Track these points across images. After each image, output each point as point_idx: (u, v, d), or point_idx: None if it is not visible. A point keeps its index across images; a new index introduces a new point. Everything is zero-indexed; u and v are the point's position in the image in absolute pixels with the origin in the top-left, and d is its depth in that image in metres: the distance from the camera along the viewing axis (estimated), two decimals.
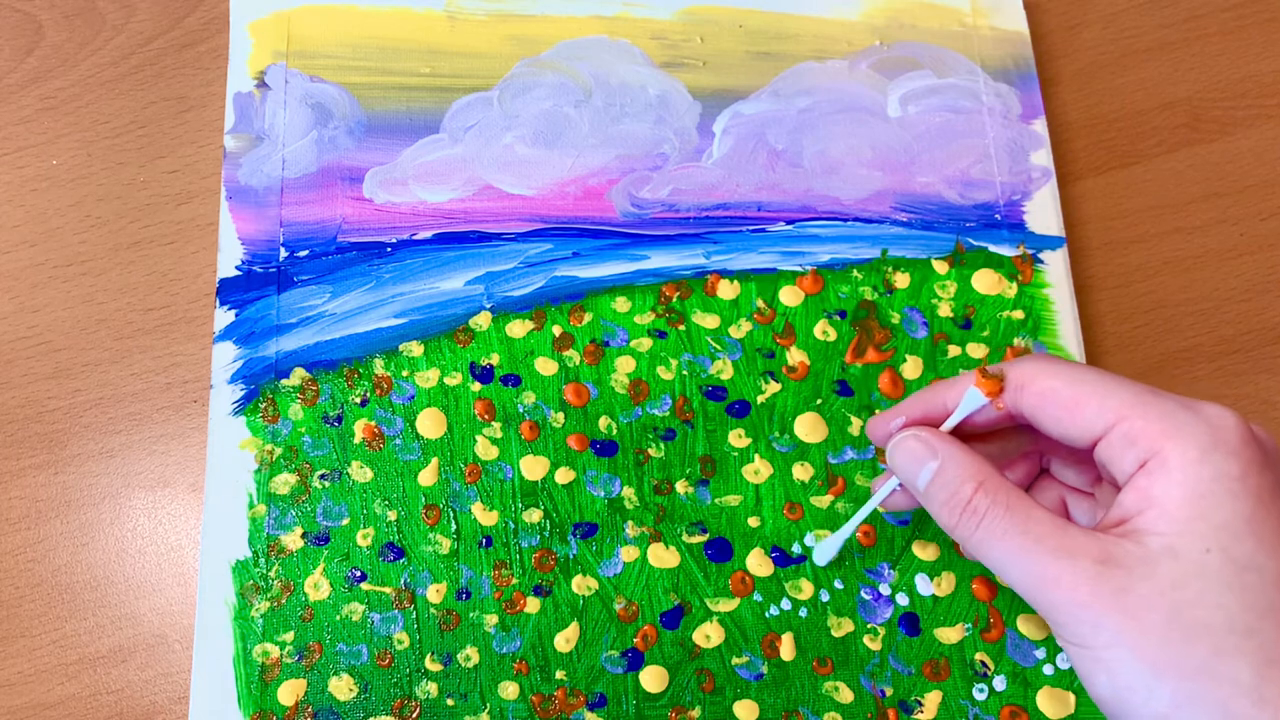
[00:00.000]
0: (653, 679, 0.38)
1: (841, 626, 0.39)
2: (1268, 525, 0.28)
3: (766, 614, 0.39)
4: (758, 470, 0.41)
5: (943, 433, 0.33)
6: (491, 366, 0.41)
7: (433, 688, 0.37)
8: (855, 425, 0.42)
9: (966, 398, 0.32)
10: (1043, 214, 0.45)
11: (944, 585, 0.40)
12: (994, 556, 0.30)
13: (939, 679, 0.39)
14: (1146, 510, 0.29)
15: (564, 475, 0.40)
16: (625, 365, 0.42)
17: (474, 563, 0.39)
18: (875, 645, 0.39)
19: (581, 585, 0.39)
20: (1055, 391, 0.31)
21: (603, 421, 0.41)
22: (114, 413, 0.42)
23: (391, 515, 0.39)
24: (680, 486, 0.40)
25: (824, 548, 0.39)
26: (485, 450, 0.40)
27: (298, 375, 0.40)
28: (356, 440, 0.40)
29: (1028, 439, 0.35)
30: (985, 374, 0.32)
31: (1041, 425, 0.32)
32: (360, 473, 0.40)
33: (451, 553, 0.39)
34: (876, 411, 0.41)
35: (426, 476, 0.40)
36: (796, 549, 0.40)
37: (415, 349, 0.41)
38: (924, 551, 0.40)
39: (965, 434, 0.33)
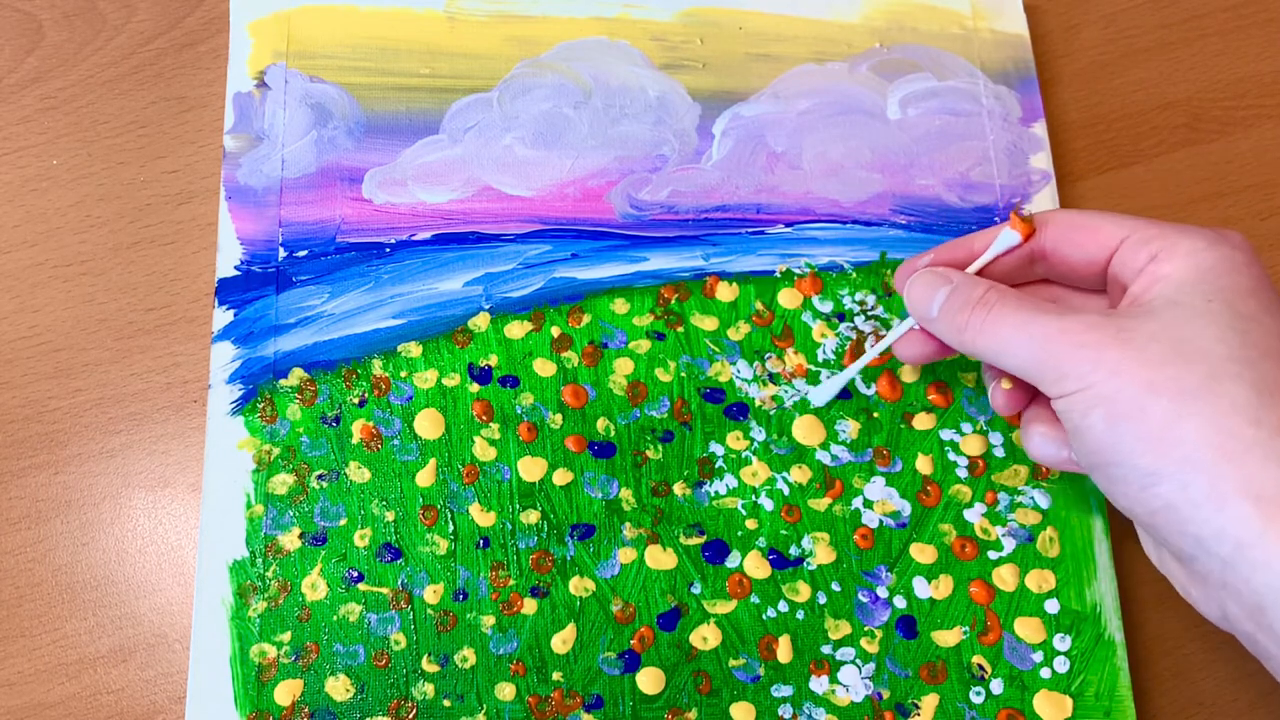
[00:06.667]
0: (649, 681, 0.38)
1: (839, 629, 0.39)
2: (1268, 297, 0.30)
3: (764, 616, 0.39)
4: (755, 473, 0.41)
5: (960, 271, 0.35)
6: (490, 367, 0.41)
7: (429, 688, 0.37)
8: (853, 428, 0.42)
9: (1001, 237, 0.35)
10: None
11: (941, 588, 0.40)
12: (1002, 334, 0.32)
13: (936, 682, 0.39)
14: (1152, 287, 0.31)
15: (562, 476, 0.40)
16: (624, 367, 0.42)
17: (471, 564, 0.39)
18: (872, 648, 0.39)
19: (579, 586, 0.39)
20: (1074, 221, 0.34)
21: (601, 423, 0.41)
22: (114, 413, 0.42)
23: (389, 516, 0.39)
24: (678, 488, 0.40)
25: (822, 390, 0.39)
26: (483, 451, 0.40)
27: (296, 375, 0.40)
28: (354, 440, 0.40)
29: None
30: (1019, 215, 0.34)
31: (1061, 253, 0.34)
32: (358, 473, 0.40)
33: (449, 553, 0.39)
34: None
35: (424, 477, 0.40)
36: (794, 551, 0.40)
37: (414, 350, 0.41)
38: (922, 554, 0.40)
39: None
